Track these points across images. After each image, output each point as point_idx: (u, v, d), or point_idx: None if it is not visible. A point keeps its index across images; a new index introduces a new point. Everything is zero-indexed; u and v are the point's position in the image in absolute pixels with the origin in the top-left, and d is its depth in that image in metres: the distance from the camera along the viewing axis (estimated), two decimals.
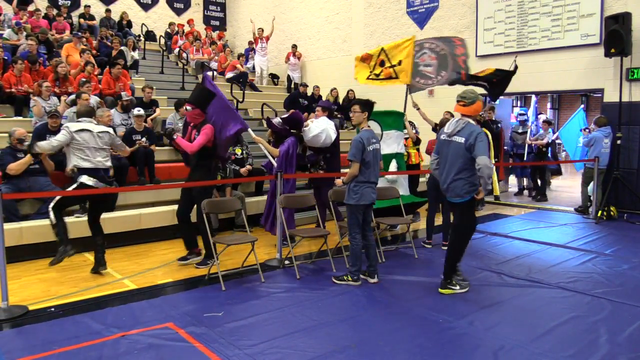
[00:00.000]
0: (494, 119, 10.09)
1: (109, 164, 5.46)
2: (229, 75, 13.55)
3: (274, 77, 15.57)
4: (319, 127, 6.66)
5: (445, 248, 6.58)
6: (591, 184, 8.95)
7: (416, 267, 5.89)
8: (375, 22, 13.15)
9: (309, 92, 12.98)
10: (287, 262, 5.88)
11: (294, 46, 14.87)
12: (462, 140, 4.68)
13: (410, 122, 8.23)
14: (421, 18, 12.08)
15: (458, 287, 5.01)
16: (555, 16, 9.77)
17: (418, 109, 8.56)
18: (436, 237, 6.90)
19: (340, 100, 12.94)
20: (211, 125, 5.67)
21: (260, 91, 14.03)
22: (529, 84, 10.24)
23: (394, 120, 7.67)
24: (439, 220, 6.99)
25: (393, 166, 7.51)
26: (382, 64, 8.02)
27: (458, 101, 4.81)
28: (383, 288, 5.15)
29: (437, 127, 8.60)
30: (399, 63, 7.94)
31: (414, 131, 8.33)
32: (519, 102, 13.09)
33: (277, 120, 6.70)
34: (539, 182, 10.82)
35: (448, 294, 4.96)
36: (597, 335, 4.03)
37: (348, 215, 5.27)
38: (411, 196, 7.82)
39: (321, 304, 4.70)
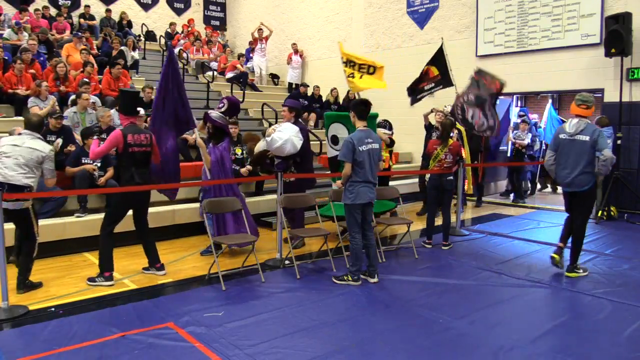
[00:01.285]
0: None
1: (26, 181, 4.79)
2: (229, 75, 13.55)
3: (274, 77, 15.58)
4: (282, 138, 6.28)
5: (446, 248, 6.62)
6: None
7: (416, 268, 5.89)
8: (375, 22, 13.15)
9: (309, 92, 12.98)
10: (287, 262, 5.89)
11: (295, 45, 14.86)
12: (586, 138, 5.27)
13: (384, 121, 8.01)
14: (421, 18, 12.09)
15: (581, 271, 5.54)
16: (555, 16, 9.76)
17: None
18: (436, 238, 6.89)
19: (341, 100, 12.94)
20: (118, 132, 5.14)
21: (261, 91, 14.03)
22: (528, 84, 10.25)
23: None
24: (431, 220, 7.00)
25: None
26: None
27: (579, 105, 5.37)
28: (383, 288, 5.15)
29: (435, 129, 8.66)
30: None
31: (390, 132, 7.96)
32: (519, 102, 13.06)
33: (216, 115, 6.19)
34: (525, 183, 10.94)
35: (575, 277, 5.45)
36: (598, 335, 4.03)
37: (346, 215, 5.27)
38: (380, 202, 7.13)
39: (321, 304, 4.70)
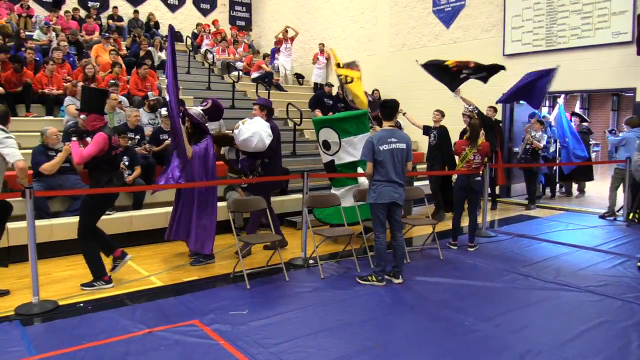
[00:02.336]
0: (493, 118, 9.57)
1: None
2: (255, 75, 13.63)
3: (298, 77, 15.61)
4: (250, 130, 5.93)
5: (472, 249, 6.55)
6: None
7: (441, 269, 5.83)
8: (400, 22, 13.07)
9: (334, 92, 12.97)
10: (311, 261, 5.89)
11: (321, 45, 14.88)
12: None
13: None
14: (447, 17, 11.97)
15: None
16: (585, 14, 9.56)
17: (404, 113, 8.74)
18: (461, 239, 6.82)
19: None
20: (104, 134, 4.95)
21: (286, 91, 14.08)
22: (557, 84, 9.97)
23: (351, 124, 6.90)
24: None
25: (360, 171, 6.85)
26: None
27: None
28: (408, 289, 5.12)
29: (432, 129, 8.58)
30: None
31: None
32: (547, 102, 12.82)
33: (196, 111, 5.86)
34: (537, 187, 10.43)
35: None
36: (628, 342, 3.94)
37: (371, 214, 5.27)
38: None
39: (345, 303, 4.69)
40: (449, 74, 8.10)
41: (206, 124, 5.93)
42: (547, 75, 7.85)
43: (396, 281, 5.25)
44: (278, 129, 6.50)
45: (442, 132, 8.53)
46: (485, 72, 8.05)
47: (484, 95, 9.26)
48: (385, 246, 5.21)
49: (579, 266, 5.89)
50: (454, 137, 8.79)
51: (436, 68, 8.14)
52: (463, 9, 11.61)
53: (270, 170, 6.41)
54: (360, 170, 6.77)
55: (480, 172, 6.71)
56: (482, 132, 6.74)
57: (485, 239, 7.21)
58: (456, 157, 7.03)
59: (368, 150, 5.08)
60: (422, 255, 6.43)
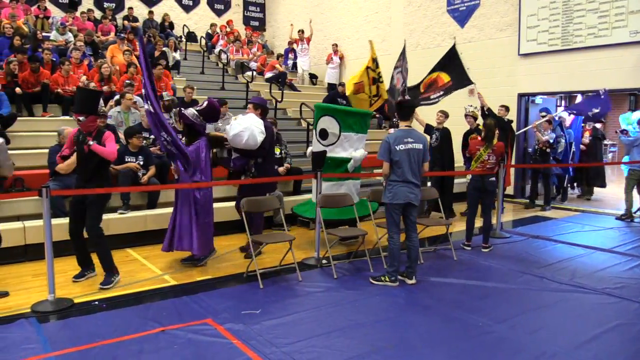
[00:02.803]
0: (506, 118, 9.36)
1: None
2: (268, 75, 13.66)
3: (312, 77, 15.62)
4: (241, 125, 5.72)
5: (486, 250, 6.51)
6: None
7: (455, 269, 5.80)
8: (414, 21, 13.01)
9: (347, 91, 12.94)
10: (324, 261, 5.89)
11: (335, 45, 14.86)
12: None
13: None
14: (462, 16, 11.90)
15: None
16: (602, 13, 9.44)
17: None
18: (475, 240, 6.77)
19: None
20: (112, 133, 5.13)
21: (299, 91, 14.10)
22: (573, 83, 9.94)
23: (356, 121, 6.74)
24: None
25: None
26: (374, 81, 7.47)
27: None
28: (421, 289, 5.09)
29: (434, 130, 8.44)
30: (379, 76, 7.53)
31: None
32: (562, 102, 12.67)
33: (191, 112, 5.70)
34: (551, 188, 10.04)
35: None
36: None
37: (386, 214, 5.25)
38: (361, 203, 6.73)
39: (358, 304, 4.68)
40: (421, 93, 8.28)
41: (204, 125, 5.84)
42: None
43: (409, 282, 5.23)
44: (272, 129, 6.30)
45: (444, 134, 8.39)
46: (454, 89, 8.21)
47: (496, 93, 9.16)
48: (399, 246, 5.19)
49: (595, 268, 5.82)
50: (457, 139, 8.70)
51: (415, 95, 8.19)
52: (478, 8, 11.53)
53: (265, 171, 6.16)
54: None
55: (494, 173, 6.65)
56: (496, 132, 6.67)
57: (500, 239, 7.15)
58: (453, 158, 7.01)
59: (384, 150, 5.07)
60: (435, 255, 6.40)
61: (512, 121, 9.72)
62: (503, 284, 5.26)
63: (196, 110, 5.74)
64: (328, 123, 6.59)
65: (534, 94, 10.70)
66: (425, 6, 12.75)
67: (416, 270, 5.32)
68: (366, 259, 5.81)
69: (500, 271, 5.74)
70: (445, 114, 8.47)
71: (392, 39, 13.55)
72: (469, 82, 8.34)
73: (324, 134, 6.64)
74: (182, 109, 5.86)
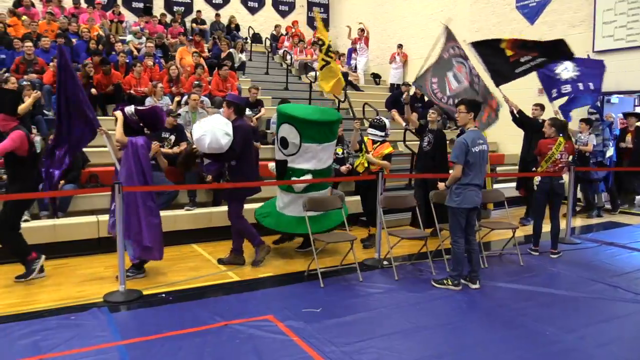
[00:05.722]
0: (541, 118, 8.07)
1: None
2: None
3: (375, 77, 15.53)
4: (202, 128, 5.36)
5: (554, 256, 6.24)
6: None
7: (521, 275, 5.59)
8: (482, 19, 12.67)
9: (411, 92, 12.78)
10: (385, 262, 5.84)
11: (400, 46, 14.72)
12: None
13: (377, 119, 6.91)
14: (532, 13, 11.46)
15: None
16: None
17: (406, 103, 7.44)
18: (543, 245, 6.50)
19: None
20: (21, 132, 4.88)
21: (362, 90, 14.06)
22: None
23: (319, 131, 5.91)
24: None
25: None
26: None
27: None
28: (485, 294, 4.95)
29: (427, 131, 7.11)
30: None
31: (381, 133, 6.73)
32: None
33: (129, 109, 5.25)
34: (599, 197, 9.14)
35: None
36: None
37: (450, 218, 5.14)
38: (326, 216, 6.25)
39: (420, 307, 4.61)
40: (505, 64, 6.76)
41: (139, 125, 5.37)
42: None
43: (473, 286, 5.10)
44: (246, 128, 5.75)
45: (439, 137, 7.04)
46: (548, 56, 6.80)
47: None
48: (464, 250, 5.07)
49: None
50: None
51: (489, 50, 6.85)
52: (549, 4, 11.08)
53: (240, 174, 5.68)
54: (309, 177, 5.92)
55: (563, 174, 6.36)
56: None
57: (570, 245, 6.83)
58: (447, 166, 6.58)
59: (461, 152, 4.92)
60: (501, 260, 6.20)
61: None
62: (573, 292, 5.02)
63: (137, 110, 5.31)
64: (288, 131, 5.90)
65: (609, 93, 10.14)
66: (493, 2, 12.38)
67: (480, 275, 5.18)
68: (428, 261, 5.71)
69: (569, 278, 5.49)
70: (439, 113, 7.27)
71: (458, 38, 13.23)
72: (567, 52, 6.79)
73: (284, 143, 5.97)
74: (122, 105, 5.41)
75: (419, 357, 3.60)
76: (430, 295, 4.91)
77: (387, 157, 6.64)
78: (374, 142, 6.75)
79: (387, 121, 6.86)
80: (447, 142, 7.30)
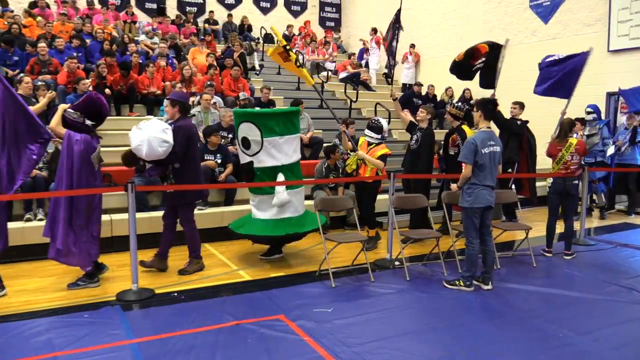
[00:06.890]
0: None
1: None
2: (342, 75, 13.70)
3: (387, 77, 15.50)
4: (138, 138, 5.06)
5: (568, 258, 6.18)
6: None
7: (534, 276, 5.55)
8: (494, 18, 12.60)
9: (423, 91, 12.76)
10: (397, 262, 5.83)
11: (412, 46, 14.69)
12: None
13: (374, 120, 6.65)
14: (546, 12, 11.37)
15: None
16: None
17: (395, 99, 7.49)
18: (557, 247, 6.44)
19: (455, 99, 12.56)
20: None
21: (374, 90, 14.04)
22: None
23: (277, 123, 5.71)
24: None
25: (280, 179, 5.74)
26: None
27: None
28: (497, 296, 4.92)
29: (416, 129, 6.89)
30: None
31: (377, 136, 6.50)
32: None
33: (69, 111, 4.93)
34: (599, 197, 9.00)
35: None
36: None
37: (463, 218, 5.13)
38: (305, 217, 6.10)
39: (431, 307, 4.60)
40: (464, 65, 7.92)
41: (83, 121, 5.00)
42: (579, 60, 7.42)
43: (485, 287, 5.07)
44: (190, 128, 5.46)
45: (426, 137, 6.75)
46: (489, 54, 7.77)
47: (582, 92, 8.14)
48: (478, 252, 5.04)
49: None
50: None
51: (456, 68, 8.02)
52: (563, 3, 10.98)
53: (185, 177, 5.42)
54: (281, 177, 5.73)
55: (577, 175, 6.29)
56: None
57: (584, 247, 6.76)
58: (431, 166, 6.78)
59: (469, 152, 4.91)
60: (513, 261, 6.15)
61: (527, 122, 7.74)
62: (587, 294, 4.97)
63: (72, 107, 5.03)
64: (248, 130, 5.71)
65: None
66: (506, 2, 12.31)
67: (493, 276, 5.15)
68: (440, 262, 5.69)
69: (583, 280, 5.44)
70: (429, 111, 7.02)
71: (470, 37, 13.16)
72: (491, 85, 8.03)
73: (246, 143, 5.77)
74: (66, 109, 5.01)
75: (430, 358, 3.58)
76: (442, 295, 4.89)
77: (382, 157, 6.40)
78: (369, 143, 6.49)
79: (384, 123, 6.61)
80: (434, 142, 7.10)
